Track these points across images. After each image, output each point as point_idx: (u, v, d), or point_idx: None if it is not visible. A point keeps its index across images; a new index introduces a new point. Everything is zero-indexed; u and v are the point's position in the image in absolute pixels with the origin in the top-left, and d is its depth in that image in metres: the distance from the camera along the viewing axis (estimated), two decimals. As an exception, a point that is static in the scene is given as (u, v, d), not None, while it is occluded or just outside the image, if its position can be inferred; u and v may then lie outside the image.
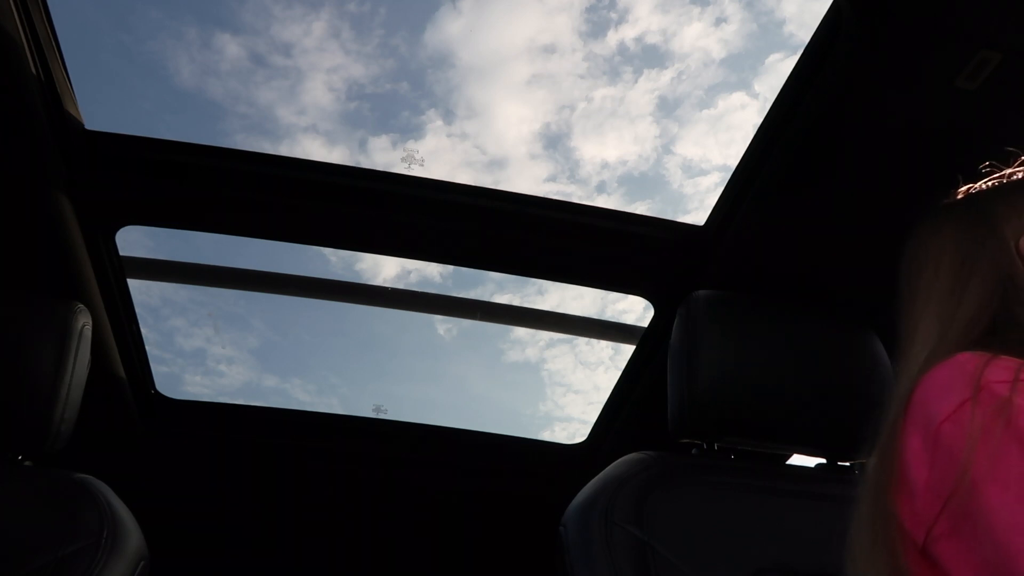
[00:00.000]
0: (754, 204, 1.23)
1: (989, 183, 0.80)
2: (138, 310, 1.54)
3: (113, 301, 1.46)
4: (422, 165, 1.48)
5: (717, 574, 1.00)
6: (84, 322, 1.19)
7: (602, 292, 1.59)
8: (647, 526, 1.02)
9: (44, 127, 1.17)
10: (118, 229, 1.38)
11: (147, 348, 1.62)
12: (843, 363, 1.20)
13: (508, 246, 1.43)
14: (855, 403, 1.16)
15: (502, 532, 1.96)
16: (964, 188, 0.81)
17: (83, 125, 1.25)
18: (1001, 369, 0.59)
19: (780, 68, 1.18)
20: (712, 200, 1.34)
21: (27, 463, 1.14)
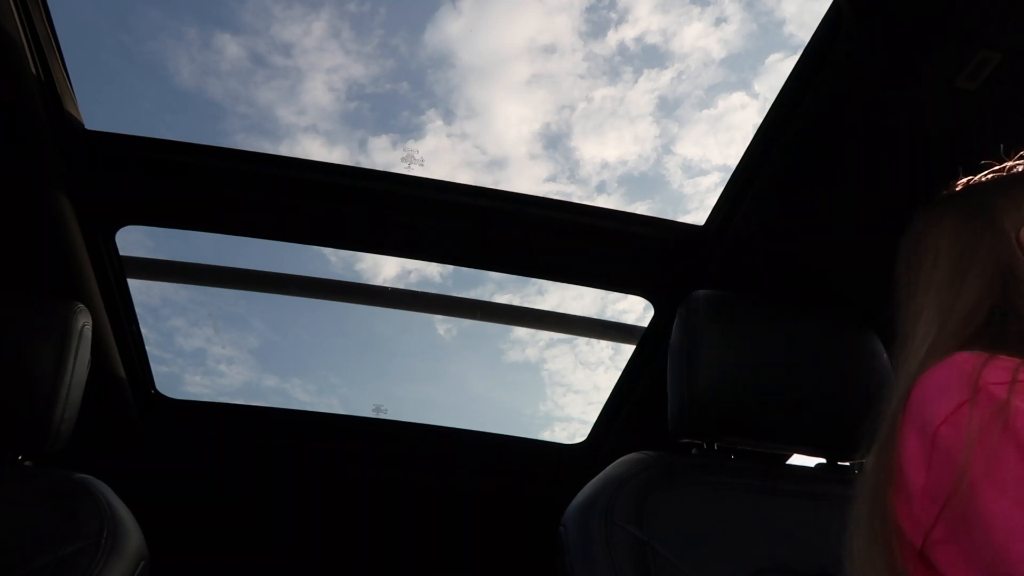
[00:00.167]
0: (754, 204, 1.23)
1: (988, 175, 0.79)
2: (138, 310, 1.55)
3: (113, 301, 1.46)
4: (422, 165, 1.48)
5: (717, 574, 1.00)
6: (84, 322, 1.19)
7: (602, 292, 1.59)
8: (647, 526, 1.02)
9: (44, 127, 1.17)
10: (118, 229, 1.38)
11: (147, 348, 1.62)
12: (843, 363, 1.20)
13: (508, 246, 1.43)
14: (855, 403, 1.16)
15: (502, 532, 1.96)
16: (963, 180, 0.81)
17: (83, 125, 1.25)
18: (999, 370, 0.59)
19: (780, 68, 1.18)
20: (712, 200, 1.34)
21: (27, 463, 1.14)
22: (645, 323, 1.58)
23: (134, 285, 1.51)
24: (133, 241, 1.45)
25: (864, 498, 0.66)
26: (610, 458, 1.15)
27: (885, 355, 1.23)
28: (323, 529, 1.94)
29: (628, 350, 1.66)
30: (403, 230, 1.41)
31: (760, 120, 1.20)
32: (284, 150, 1.55)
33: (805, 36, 1.07)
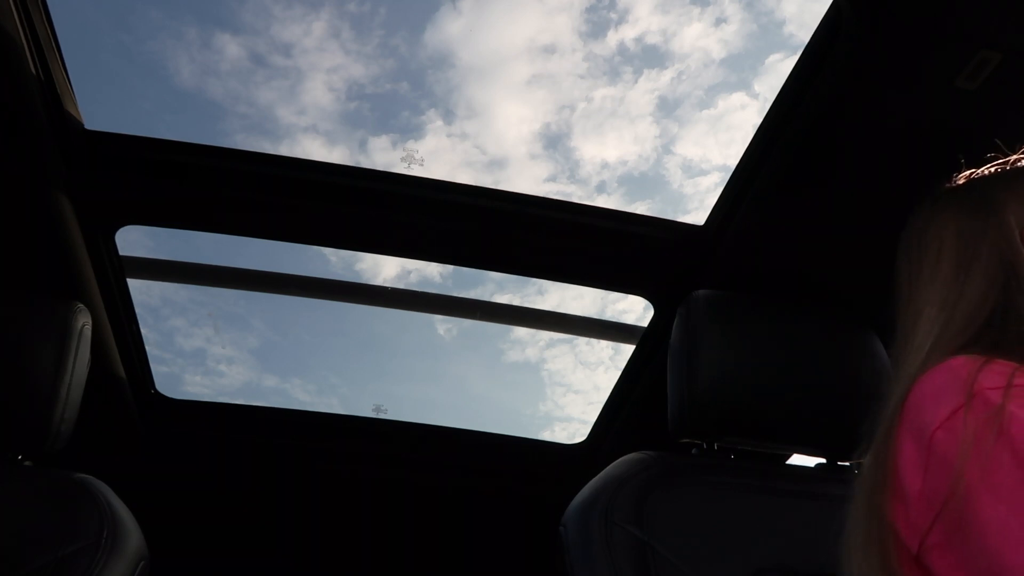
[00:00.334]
0: (754, 204, 1.23)
1: (992, 169, 0.79)
2: (138, 310, 1.55)
3: (113, 301, 1.46)
4: (422, 165, 1.48)
5: (717, 574, 1.00)
6: (84, 322, 1.19)
7: (602, 292, 1.59)
8: (647, 526, 1.02)
9: (44, 127, 1.17)
10: (118, 229, 1.38)
11: (147, 348, 1.62)
12: (843, 363, 1.20)
13: (508, 246, 1.43)
14: (855, 403, 1.16)
15: (502, 532, 1.96)
16: (966, 173, 0.80)
17: (83, 125, 1.25)
18: (995, 375, 0.59)
19: (780, 68, 1.18)
20: (712, 200, 1.34)
21: (27, 463, 1.14)
22: (645, 323, 1.58)
23: (134, 285, 1.51)
24: (133, 241, 1.45)
25: (861, 500, 0.65)
26: (610, 458, 1.15)
27: (885, 355, 1.23)
28: (323, 529, 1.94)
29: (628, 350, 1.66)
30: (403, 230, 1.41)
31: (760, 120, 1.20)
32: (284, 150, 1.55)
33: (805, 36, 1.07)
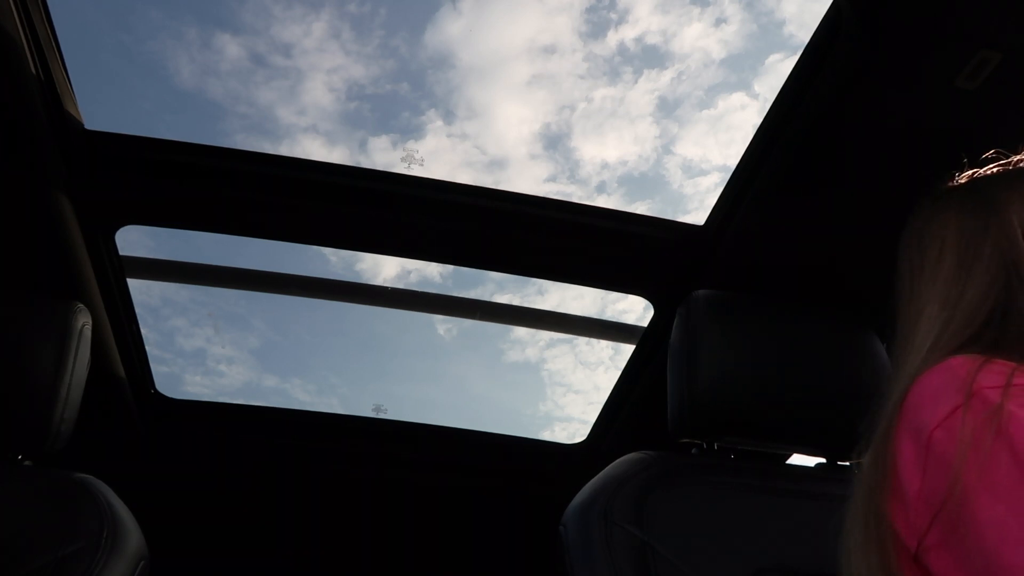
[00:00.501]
0: (754, 204, 1.23)
1: (994, 169, 0.79)
2: (138, 310, 1.55)
3: (113, 301, 1.46)
4: (422, 165, 1.48)
5: (717, 574, 1.00)
6: (84, 322, 1.19)
7: (602, 292, 1.59)
8: (647, 526, 1.02)
9: (44, 127, 1.17)
10: (118, 229, 1.38)
11: (147, 348, 1.62)
12: (843, 363, 1.20)
13: (508, 246, 1.43)
14: (855, 403, 1.16)
15: (502, 532, 1.96)
16: (968, 173, 0.80)
17: (83, 125, 1.25)
18: (994, 374, 0.59)
19: (780, 68, 1.18)
20: (712, 200, 1.34)
21: (27, 463, 1.14)
22: (645, 323, 1.58)
23: (134, 285, 1.51)
24: (133, 241, 1.45)
25: (859, 499, 0.65)
26: (610, 458, 1.15)
27: (885, 355, 1.23)
28: (323, 529, 1.94)
29: (628, 350, 1.66)
30: (403, 230, 1.41)
31: (760, 120, 1.20)
32: (284, 150, 1.55)
33: (805, 36, 1.07)
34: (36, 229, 1.28)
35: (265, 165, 1.30)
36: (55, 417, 1.12)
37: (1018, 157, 0.79)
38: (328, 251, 1.74)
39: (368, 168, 1.34)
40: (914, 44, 0.95)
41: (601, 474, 1.11)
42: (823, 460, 1.24)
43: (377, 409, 1.85)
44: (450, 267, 1.64)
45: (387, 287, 1.70)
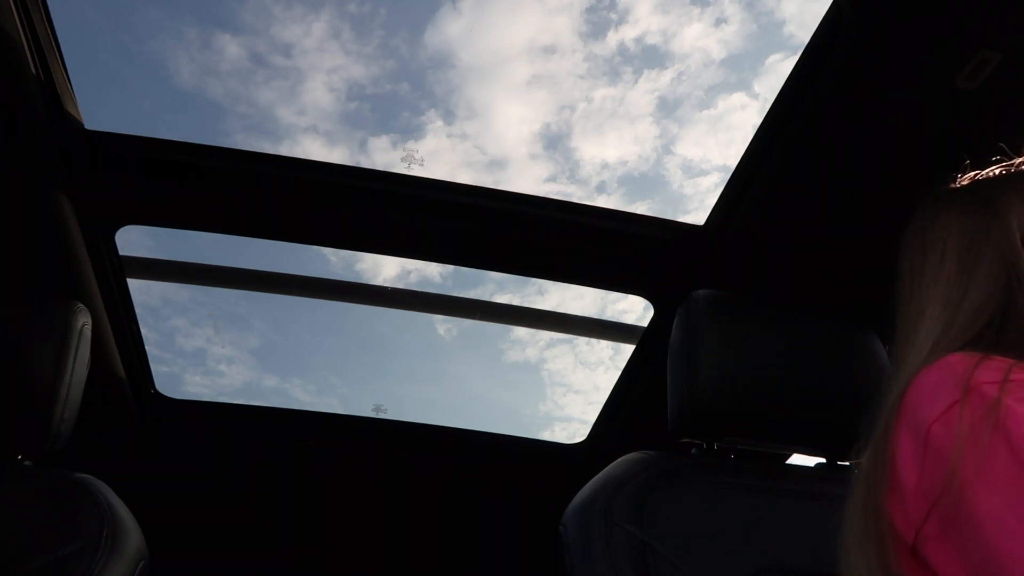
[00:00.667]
0: (754, 204, 1.23)
1: (997, 171, 0.79)
2: (138, 310, 1.54)
3: (113, 301, 1.46)
4: (422, 165, 1.48)
5: (717, 574, 1.00)
6: (84, 322, 1.19)
7: (602, 292, 1.59)
8: (647, 526, 1.02)
9: (44, 127, 1.17)
10: (118, 229, 1.38)
11: (147, 348, 1.62)
12: (843, 363, 1.20)
13: (508, 246, 1.43)
14: (855, 403, 1.16)
15: (502, 532, 1.96)
16: (971, 175, 0.81)
17: (83, 125, 1.25)
18: (991, 370, 0.59)
19: (780, 68, 1.18)
20: (712, 200, 1.34)
21: (27, 463, 1.14)
22: (645, 323, 1.58)
23: (134, 285, 1.51)
24: (133, 241, 1.45)
25: (858, 496, 0.66)
26: (610, 458, 1.15)
27: (885, 355, 1.23)
28: (323, 529, 1.94)
29: (628, 350, 1.66)
30: (403, 230, 1.41)
31: (760, 120, 1.20)
32: (284, 150, 1.55)
33: (805, 36, 1.07)
34: (36, 229, 1.28)
35: (265, 165, 1.30)
36: (55, 417, 1.12)
37: (1021, 159, 0.79)
38: (328, 251, 1.74)
39: (368, 168, 1.34)
40: (914, 44, 0.95)
41: (601, 474, 1.11)
42: (823, 460, 1.24)
43: (377, 409, 1.85)
44: (450, 267, 1.64)
45: (387, 287, 1.70)
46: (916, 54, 0.96)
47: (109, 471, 1.20)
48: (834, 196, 1.19)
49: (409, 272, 1.87)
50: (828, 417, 1.17)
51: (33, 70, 1.11)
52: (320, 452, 1.80)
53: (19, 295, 1.18)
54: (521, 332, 2.58)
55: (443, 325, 2.51)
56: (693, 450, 1.21)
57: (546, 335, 1.94)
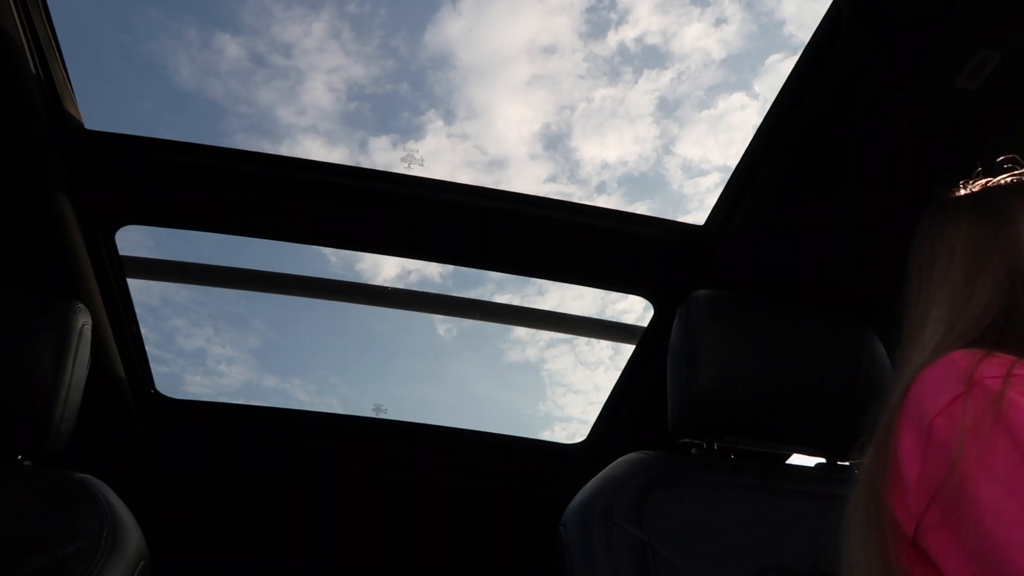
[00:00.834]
0: (754, 204, 1.23)
1: (1008, 179, 0.80)
2: (138, 310, 1.54)
3: (113, 301, 1.46)
4: (422, 165, 1.48)
5: (717, 574, 1.00)
6: (84, 322, 1.19)
7: (602, 292, 1.59)
8: (647, 526, 1.02)
9: (44, 127, 1.17)
10: (118, 229, 1.38)
11: (147, 348, 1.62)
12: (843, 363, 1.20)
13: (508, 246, 1.43)
14: (855, 403, 1.16)
15: (502, 532, 1.96)
16: (982, 181, 0.82)
17: (83, 125, 1.25)
18: (994, 365, 0.60)
19: (780, 68, 1.18)
20: (712, 200, 1.34)
21: (27, 463, 1.14)
22: (645, 323, 1.58)
23: (134, 285, 1.51)
24: (133, 241, 1.45)
25: (860, 490, 0.67)
26: (610, 458, 1.15)
27: (885, 355, 1.23)
28: (323, 529, 1.94)
29: (628, 350, 1.66)
30: (403, 230, 1.41)
31: (760, 120, 1.20)
32: (284, 150, 1.55)
33: (805, 36, 1.07)
34: (36, 229, 1.28)
35: (265, 165, 1.30)
36: (55, 417, 1.12)
37: None
38: (328, 251, 1.74)
39: (368, 168, 1.34)
40: (914, 44, 0.95)
41: (601, 474, 1.11)
42: (823, 460, 1.24)
43: (377, 409, 1.85)
44: (450, 267, 1.64)
45: (387, 287, 1.70)
46: (916, 54, 0.96)
47: (109, 471, 1.20)
48: (834, 196, 1.19)
49: (409, 272, 1.87)
50: (828, 417, 1.17)
51: (33, 70, 1.11)
52: (320, 452, 1.80)
53: (19, 295, 1.18)
54: (521, 332, 2.58)
55: (443, 325, 2.51)
56: (693, 450, 1.21)
57: (546, 335, 1.95)
